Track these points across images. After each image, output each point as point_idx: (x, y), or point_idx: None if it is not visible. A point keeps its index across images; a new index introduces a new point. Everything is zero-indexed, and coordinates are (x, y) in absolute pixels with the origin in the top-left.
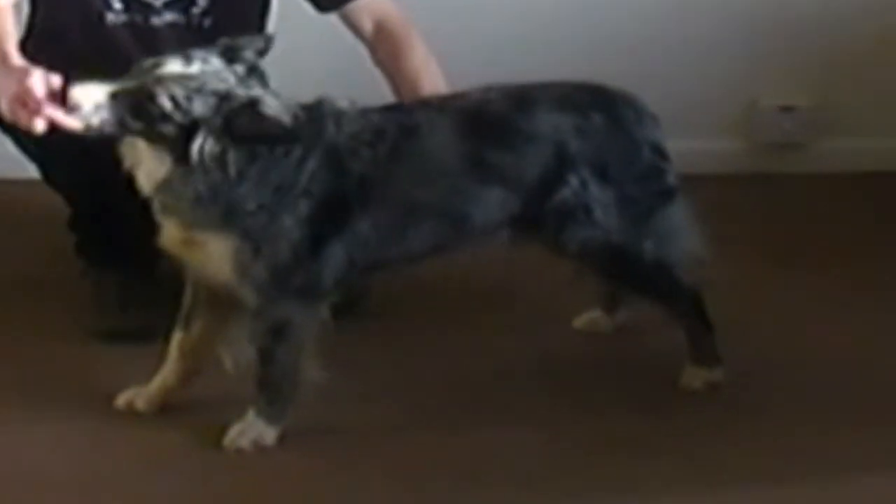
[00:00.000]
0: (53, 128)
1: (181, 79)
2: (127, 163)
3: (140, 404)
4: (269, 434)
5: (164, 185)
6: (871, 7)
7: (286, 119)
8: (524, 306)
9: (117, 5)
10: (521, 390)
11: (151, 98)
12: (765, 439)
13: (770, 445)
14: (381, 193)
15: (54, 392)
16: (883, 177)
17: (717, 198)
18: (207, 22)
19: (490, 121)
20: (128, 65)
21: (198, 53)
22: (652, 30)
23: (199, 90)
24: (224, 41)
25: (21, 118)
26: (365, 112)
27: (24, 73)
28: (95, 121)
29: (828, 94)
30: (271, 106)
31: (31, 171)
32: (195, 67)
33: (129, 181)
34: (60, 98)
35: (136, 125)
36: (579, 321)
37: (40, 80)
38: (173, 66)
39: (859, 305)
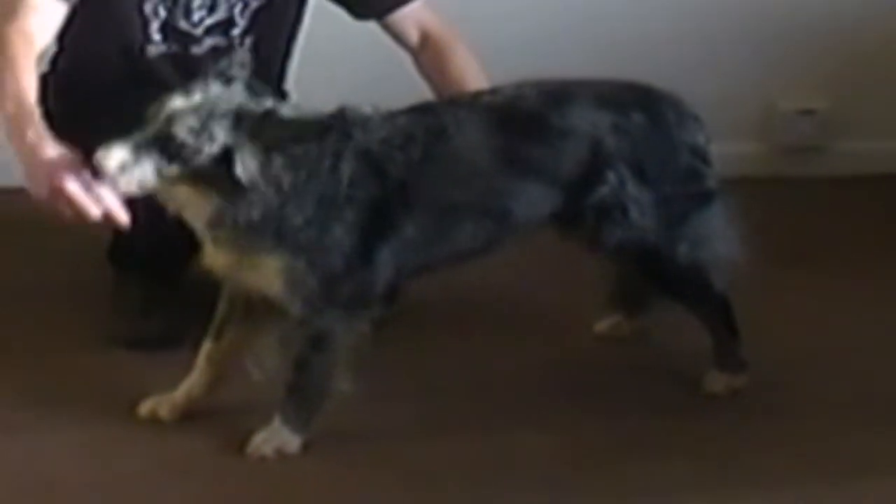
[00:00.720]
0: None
1: (190, 110)
2: (172, 208)
3: (163, 412)
4: (294, 442)
5: (216, 220)
6: (890, 10)
7: (308, 117)
8: (544, 310)
9: (157, 37)
10: (540, 394)
11: (172, 137)
12: (782, 442)
13: (788, 448)
14: (421, 196)
15: (75, 398)
16: None
17: (736, 200)
18: (249, 41)
19: (521, 117)
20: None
21: (195, 85)
22: (670, 33)
23: (212, 114)
24: (211, 68)
25: (66, 213)
26: (391, 116)
27: (54, 171)
28: (133, 182)
29: (846, 97)
30: (287, 109)
31: None
32: (198, 97)
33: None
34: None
35: (173, 169)
36: (600, 325)
37: (73, 176)
38: (177, 102)
39: (879, 308)
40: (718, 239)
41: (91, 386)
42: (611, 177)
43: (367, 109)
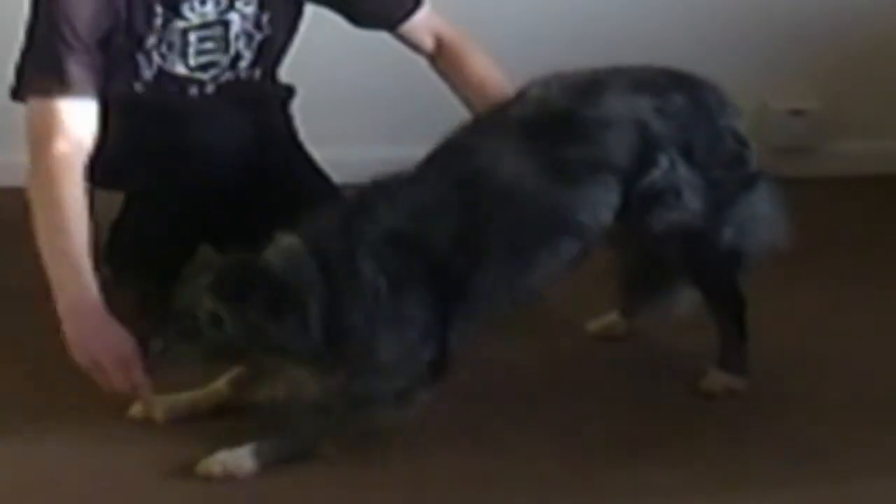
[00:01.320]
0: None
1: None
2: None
3: (158, 413)
4: (248, 469)
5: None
6: (882, 10)
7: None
8: (540, 309)
9: (148, 78)
10: (536, 394)
11: (196, 318)
12: (782, 442)
13: (785, 448)
14: (481, 246)
15: (73, 399)
16: (894, 179)
17: None
18: (257, 72)
19: (554, 120)
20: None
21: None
22: (661, 33)
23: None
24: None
25: (98, 380)
26: (418, 180)
27: (120, 339)
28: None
29: (838, 97)
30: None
31: None
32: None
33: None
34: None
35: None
36: (594, 325)
37: (112, 357)
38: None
39: (872, 308)
40: (763, 223)
41: (88, 386)
42: (662, 160)
43: (391, 181)
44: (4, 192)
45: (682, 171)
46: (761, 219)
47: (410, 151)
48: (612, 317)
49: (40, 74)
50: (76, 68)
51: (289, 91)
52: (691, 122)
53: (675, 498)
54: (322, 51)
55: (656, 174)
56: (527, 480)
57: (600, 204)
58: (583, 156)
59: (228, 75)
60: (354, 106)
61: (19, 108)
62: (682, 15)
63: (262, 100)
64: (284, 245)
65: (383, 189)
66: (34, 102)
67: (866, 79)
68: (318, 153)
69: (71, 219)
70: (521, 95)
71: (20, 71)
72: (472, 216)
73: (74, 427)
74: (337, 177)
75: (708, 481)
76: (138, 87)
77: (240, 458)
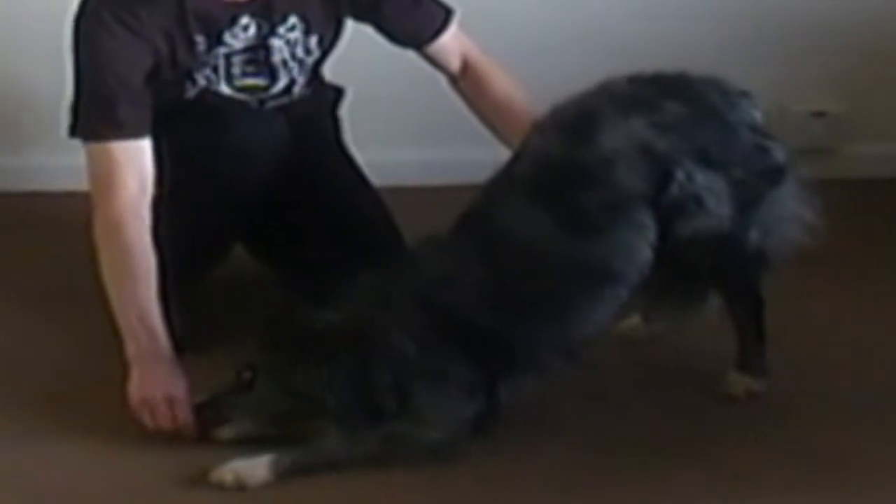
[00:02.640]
0: None
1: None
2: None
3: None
4: (260, 479)
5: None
6: None
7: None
8: None
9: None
10: (558, 397)
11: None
12: (799, 446)
13: (804, 452)
14: (515, 302)
15: (91, 406)
16: None
17: None
18: (309, 91)
19: (558, 173)
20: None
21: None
22: (682, 34)
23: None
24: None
25: (149, 420)
26: (444, 247)
27: (174, 380)
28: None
29: (858, 99)
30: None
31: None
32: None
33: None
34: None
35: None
36: (616, 328)
37: (189, 399)
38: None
39: (890, 311)
40: (791, 222)
41: (107, 393)
42: (678, 173)
43: (420, 249)
44: (21, 195)
45: (700, 178)
46: (789, 218)
47: (447, 154)
48: (634, 320)
49: (92, 120)
50: (125, 110)
51: (338, 93)
52: (696, 126)
53: (695, 501)
54: (361, 53)
55: (674, 188)
56: (549, 483)
57: (630, 243)
58: (596, 201)
59: (284, 100)
60: (392, 108)
61: None
62: (702, 17)
63: (308, 106)
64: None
65: (414, 258)
66: (91, 147)
67: (887, 81)
68: (359, 155)
69: (138, 266)
70: (522, 149)
71: (74, 114)
72: (498, 277)
73: (94, 434)
74: (376, 179)
75: (726, 486)
76: (182, 99)
77: (254, 468)
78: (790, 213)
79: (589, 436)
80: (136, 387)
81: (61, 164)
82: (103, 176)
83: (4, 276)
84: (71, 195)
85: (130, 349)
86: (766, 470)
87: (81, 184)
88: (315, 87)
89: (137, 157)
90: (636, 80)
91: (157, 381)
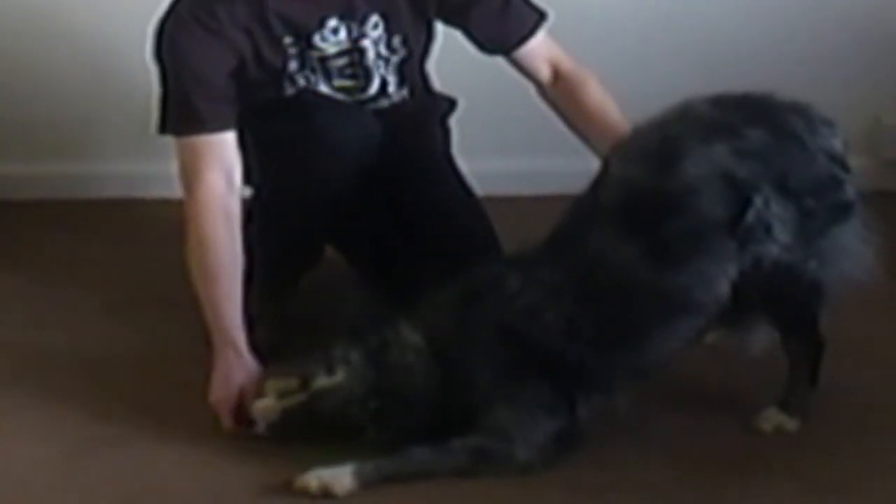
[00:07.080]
0: None
1: (333, 390)
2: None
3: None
4: (346, 487)
5: None
6: None
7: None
8: None
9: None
10: (648, 406)
11: (313, 412)
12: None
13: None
14: (594, 330)
15: (183, 412)
16: None
17: None
18: (405, 91)
19: (643, 202)
20: None
21: (337, 352)
22: (773, 48)
23: (350, 398)
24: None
25: (225, 415)
26: (531, 275)
27: (249, 372)
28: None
29: None
30: (403, 385)
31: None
32: (339, 375)
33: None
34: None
35: (307, 432)
36: (710, 337)
37: (233, 404)
38: (321, 381)
39: None
40: (850, 258)
41: (197, 399)
42: (757, 200)
43: (504, 272)
44: (152, 202)
45: (775, 206)
46: (850, 254)
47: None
48: (722, 329)
49: (174, 116)
50: (206, 105)
51: (451, 103)
52: (777, 152)
53: None
54: (465, 63)
55: (750, 215)
56: (638, 492)
57: (710, 274)
58: (680, 230)
59: (383, 102)
60: (496, 117)
61: None
62: (794, 32)
63: (414, 113)
64: (405, 339)
65: (500, 279)
66: (177, 143)
67: None
68: (464, 165)
69: (219, 263)
70: (605, 174)
71: (161, 111)
72: (585, 308)
73: (184, 440)
74: (480, 189)
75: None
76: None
77: (338, 475)
78: (852, 250)
79: (680, 445)
80: (211, 387)
81: (155, 171)
82: (188, 170)
83: (99, 283)
84: (165, 202)
85: (214, 347)
86: (853, 486)
87: (175, 192)
88: (421, 96)
89: (221, 151)
90: (720, 103)
91: (223, 382)
